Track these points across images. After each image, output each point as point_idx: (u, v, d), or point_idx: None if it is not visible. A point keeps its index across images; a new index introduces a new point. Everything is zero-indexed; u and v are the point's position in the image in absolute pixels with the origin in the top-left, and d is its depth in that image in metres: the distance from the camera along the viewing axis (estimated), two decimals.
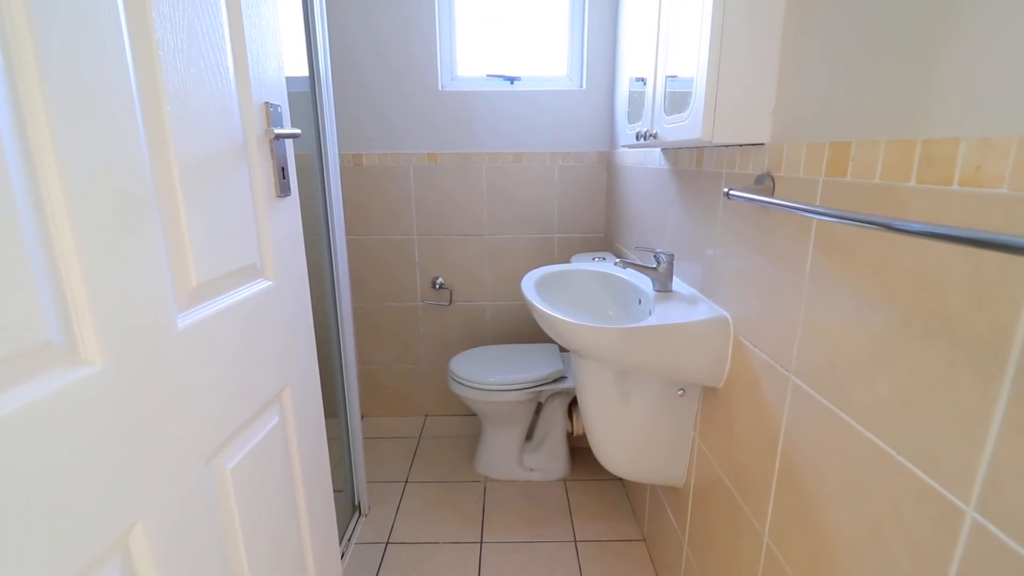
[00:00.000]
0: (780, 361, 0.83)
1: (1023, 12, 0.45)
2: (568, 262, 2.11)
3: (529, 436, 1.95)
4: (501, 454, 1.91)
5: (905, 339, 0.58)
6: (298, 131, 0.79)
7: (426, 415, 2.36)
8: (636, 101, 1.31)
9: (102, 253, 0.46)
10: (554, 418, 1.89)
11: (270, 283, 0.78)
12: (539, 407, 1.90)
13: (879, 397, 0.62)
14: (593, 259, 1.90)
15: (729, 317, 1.01)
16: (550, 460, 1.91)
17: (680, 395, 1.16)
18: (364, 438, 2.04)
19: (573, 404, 1.88)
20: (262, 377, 0.75)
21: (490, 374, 1.78)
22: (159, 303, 0.54)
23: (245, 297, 0.71)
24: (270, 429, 0.78)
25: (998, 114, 0.47)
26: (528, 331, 2.24)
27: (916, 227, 0.47)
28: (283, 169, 0.80)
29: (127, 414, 0.49)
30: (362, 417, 2.28)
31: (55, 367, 0.43)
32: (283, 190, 0.80)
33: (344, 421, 1.61)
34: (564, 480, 1.91)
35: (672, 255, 1.18)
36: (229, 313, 0.67)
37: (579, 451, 2.01)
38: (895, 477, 0.59)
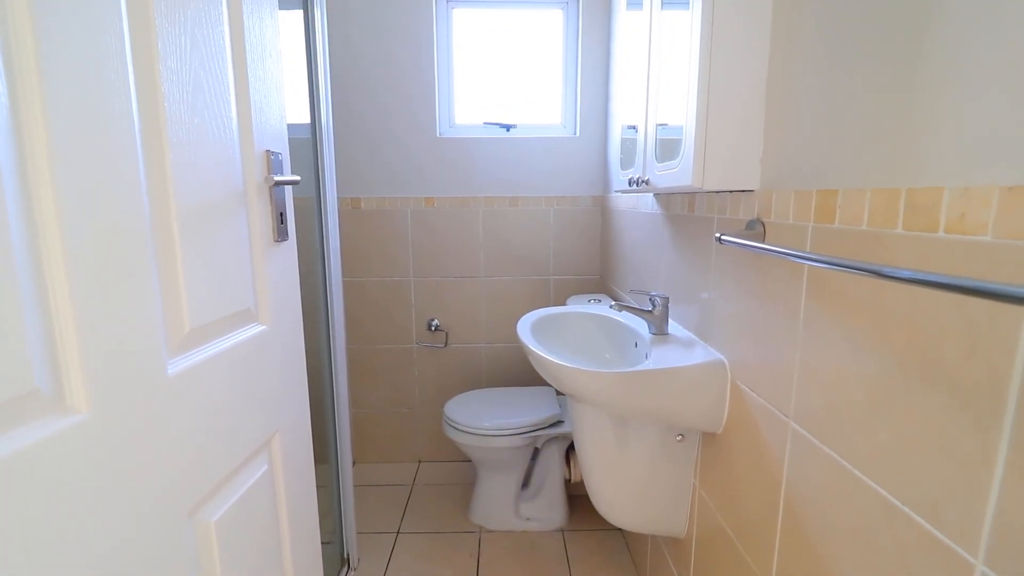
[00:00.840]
0: (779, 406, 0.82)
1: (1001, 67, 0.47)
2: (564, 304, 2.12)
3: (526, 483, 1.89)
4: (497, 503, 1.85)
5: (902, 384, 0.57)
6: (297, 178, 0.81)
7: (419, 461, 2.30)
8: (628, 148, 1.35)
9: (95, 300, 0.46)
10: (551, 464, 1.84)
11: (264, 327, 0.78)
12: (536, 452, 1.86)
13: (879, 444, 0.61)
14: (589, 301, 1.90)
15: (726, 361, 1.01)
16: (547, 509, 1.85)
17: (679, 440, 1.14)
18: (355, 485, 1.98)
19: (571, 449, 1.84)
20: (252, 423, 0.74)
21: (485, 418, 1.75)
22: (150, 350, 0.53)
23: (238, 342, 0.70)
24: (258, 478, 0.75)
25: (979, 164, 0.49)
26: (525, 374, 2.22)
27: (905, 274, 0.48)
28: (281, 215, 0.81)
29: (110, 464, 0.48)
30: (353, 463, 2.22)
31: (40, 416, 0.42)
32: (281, 235, 0.81)
33: (335, 468, 1.56)
34: (562, 530, 1.84)
35: (667, 298, 1.18)
36: (221, 359, 0.66)
37: (577, 499, 1.95)
38: (900, 528, 0.57)
